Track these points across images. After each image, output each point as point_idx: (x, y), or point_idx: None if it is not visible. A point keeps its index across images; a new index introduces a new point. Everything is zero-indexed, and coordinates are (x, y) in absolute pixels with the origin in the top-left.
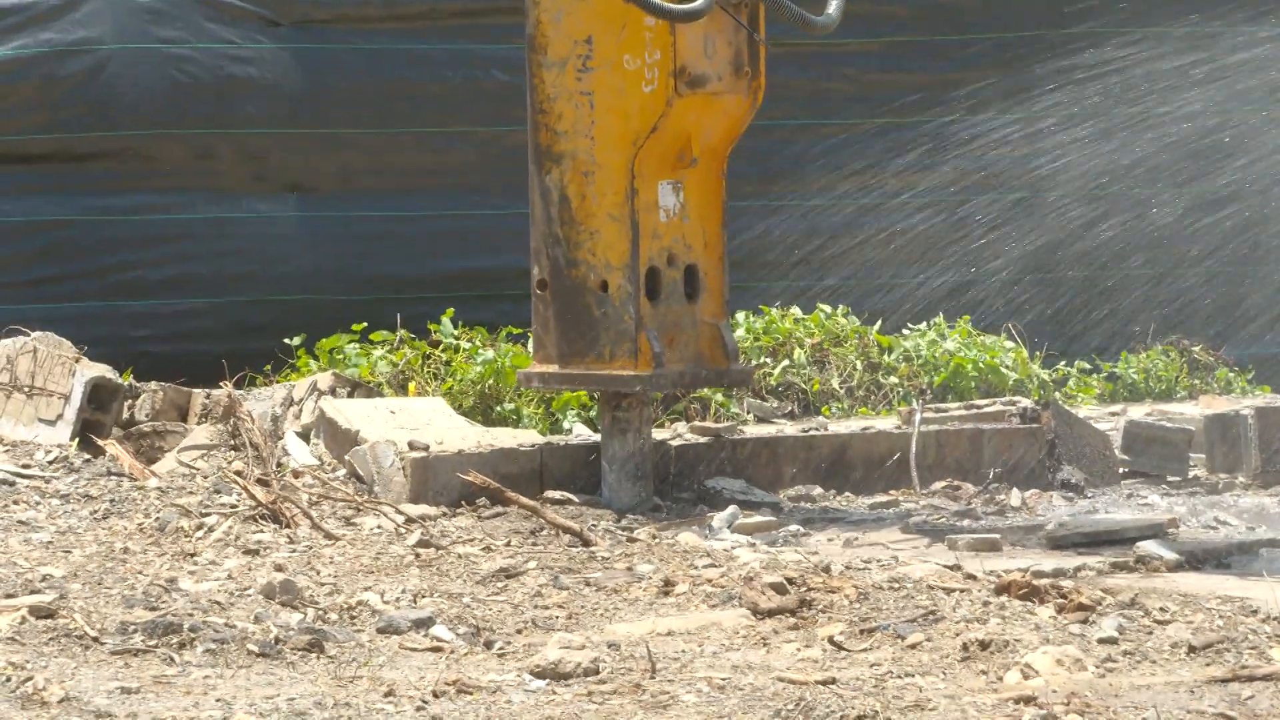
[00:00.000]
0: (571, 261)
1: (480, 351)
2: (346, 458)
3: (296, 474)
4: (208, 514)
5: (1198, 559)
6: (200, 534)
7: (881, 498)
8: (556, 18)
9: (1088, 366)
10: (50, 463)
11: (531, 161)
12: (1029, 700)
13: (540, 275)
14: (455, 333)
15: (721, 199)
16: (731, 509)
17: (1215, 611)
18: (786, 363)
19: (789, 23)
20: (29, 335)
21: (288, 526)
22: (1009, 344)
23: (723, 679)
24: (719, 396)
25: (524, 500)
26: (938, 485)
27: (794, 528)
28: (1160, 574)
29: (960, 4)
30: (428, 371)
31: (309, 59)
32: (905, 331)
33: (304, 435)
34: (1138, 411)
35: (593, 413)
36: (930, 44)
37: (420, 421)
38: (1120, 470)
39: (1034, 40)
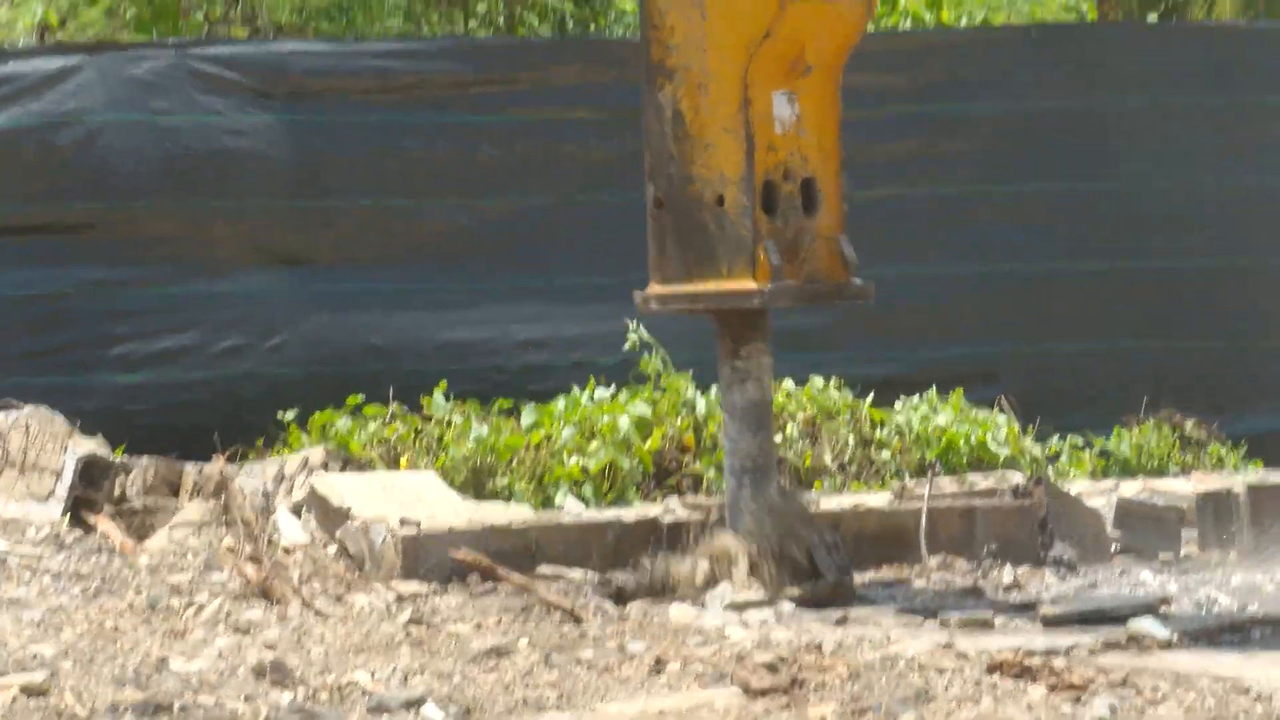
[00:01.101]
0: (687, 178)
1: (473, 426)
2: (338, 535)
3: (288, 551)
4: (198, 592)
5: (1190, 637)
6: (191, 612)
7: (873, 574)
8: None
9: (1080, 442)
10: (41, 540)
11: (644, 79)
12: None
13: (656, 194)
14: (448, 406)
15: (837, 111)
16: (724, 585)
17: (1208, 691)
18: (779, 437)
19: None
20: (21, 409)
21: (278, 604)
22: (1001, 418)
23: None
24: (711, 472)
25: (515, 577)
26: (931, 562)
27: (786, 605)
28: (1153, 653)
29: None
30: (420, 446)
31: (301, 131)
32: (898, 405)
33: (296, 511)
34: (1130, 488)
35: (585, 489)
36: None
37: (412, 496)
38: (1112, 547)
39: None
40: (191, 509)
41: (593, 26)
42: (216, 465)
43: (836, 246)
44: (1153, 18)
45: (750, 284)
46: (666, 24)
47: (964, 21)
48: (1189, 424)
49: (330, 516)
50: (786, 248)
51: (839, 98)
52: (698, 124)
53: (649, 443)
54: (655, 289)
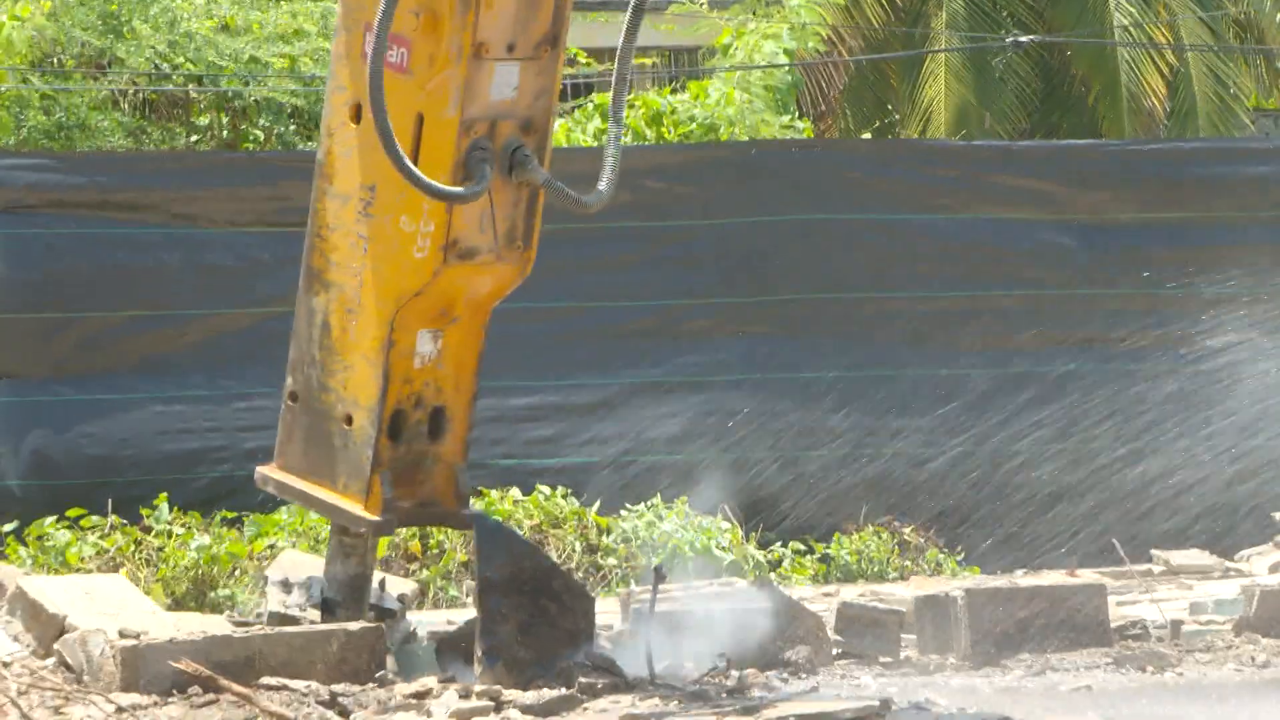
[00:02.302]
0: (324, 386)
1: (195, 537)
2: (56, 646)
3: (5, 664)
4: None
5: None
6: None
7: (605, 678)
8: (347, 154)
9: (802, 547)
10: None
11: (303, 277)
12: None
13: (293, 387)
14: (169, 518)
15: (480, 348)
16: (449, 693)
17: None
18: None
19: (565, 206)
20: None
21: None
22: (725, 524)
23: None
24: (439, 580)
25: (236, 688)
26: (659, 667)
27: (514, 713)
28: None
29: None
30: (140, 557)
31: (18, 244)
32: (623, 513)
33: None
34: (851, 592)
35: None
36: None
37: (115, 604)
38: (834, 651)
39: None
40: None
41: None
42: None
43: (454, 474)
44: (867, 135)
45: (360, 510)
46: (331, 240)
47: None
48: (907, 530)
49: (41, 621)
50: (406, 470)
51: (484, 334)
52: (343, 343)
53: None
54: (276, 474)
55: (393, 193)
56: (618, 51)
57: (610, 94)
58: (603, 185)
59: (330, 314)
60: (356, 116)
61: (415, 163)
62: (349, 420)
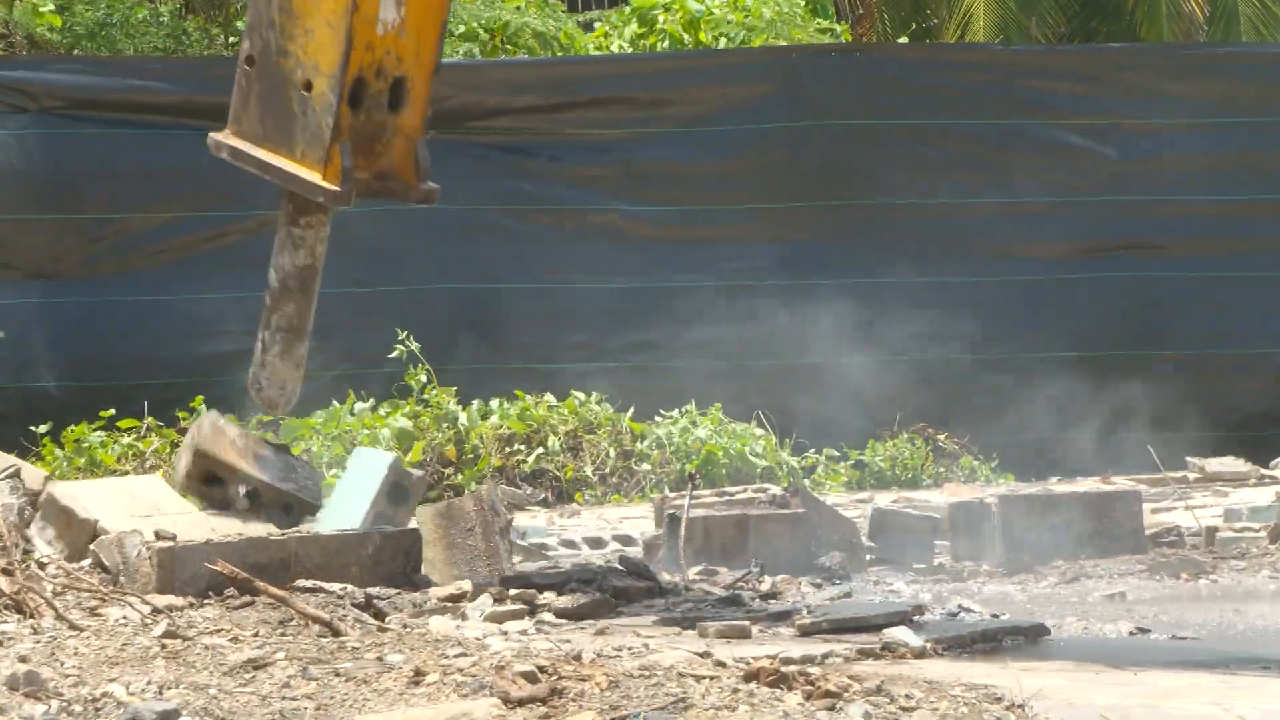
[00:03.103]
0: (282, 50)
1: None
2: (91, 547)
3: (41, 565)
4: None
5: (943, 646)
6: None
7: (640, 583)
8: None
9: (836, 454)
10: None
11: None
12: None
13: (250, 51)
14: None
15: (444, 15)
16: (484, 596)
17: (960, 699)
18: (540, 450)
19: None
20: None
21: (32, 617)
22: (759, 431)
23: None
24: (473, 485)
25: (272, 590)
26: (693, 573)
27: (547, 616)
28: (906, 661)
29: None
30: (175, 460)
31: (55, 145)
32: (658, 419)
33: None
34: (885, 499)
35: None
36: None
37: (150, 506)
38: (867, 557)
39: None
40: None
41: None
42: None
43: (413, 147)
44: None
45: (319, 178)
46: None
47: (723, 43)
48: (941, 437)
49: (73, 527)
50: (364, 142)
51: (447, 4)
52: (304, 6)
53: (410, 455)
54: (232, 140)
55: None
56: None
57: None
58: None
59: None
60: None
61: None
62: (308, 86)
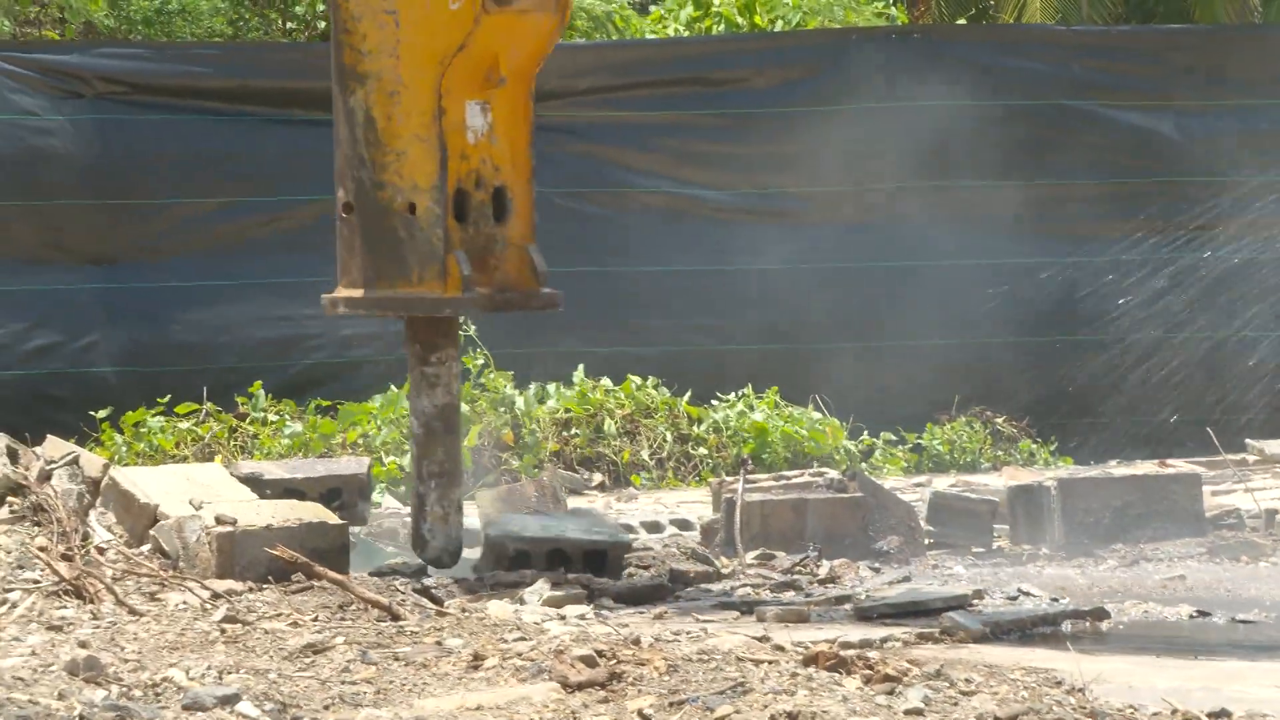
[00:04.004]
0: (378, 184)
1: (288, 425)
2: (151, 532)
3: (101, 550)
4: (11, 590)
5: (1002, 630)
6: (3, 610)
7: (698, 567)
8: None
9: (894, 438)
10: None
11: (335, 83)
12: None
13: (345, 198)
14: (264, 405)
15: (529, 119)
16: (541, 581)
17: (1020, 683)
18: (597, 434)
19: None
20: None
21: (92, 602)
22: (816, 415)
23: None
24: (531, 470)
25: (332, 574)
26: (750, 557)
27: (605, 600)
28: (965, 645)
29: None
30: (235, 445)
31: (111, 130)
32: (715, 403)
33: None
34: (943, 483)
35: (402, 488)
36: None
37: (209, 492)
38: (926, 541)
39: None
40: (3, 508)
41: None
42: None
43: (526, 255)
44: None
45: (440, 292)
46: (359, 30)
47: (779, 25)
48: (1000, 420)
49: (133, 512)
50: (477, 256)
51: (531, 107)
52: (390, 131)
53: (467, 439)
54: (344, 292)
55: None
56: None
57: None
58: None
59: (372, 106)
60: None
61: None
62: (411, 209)
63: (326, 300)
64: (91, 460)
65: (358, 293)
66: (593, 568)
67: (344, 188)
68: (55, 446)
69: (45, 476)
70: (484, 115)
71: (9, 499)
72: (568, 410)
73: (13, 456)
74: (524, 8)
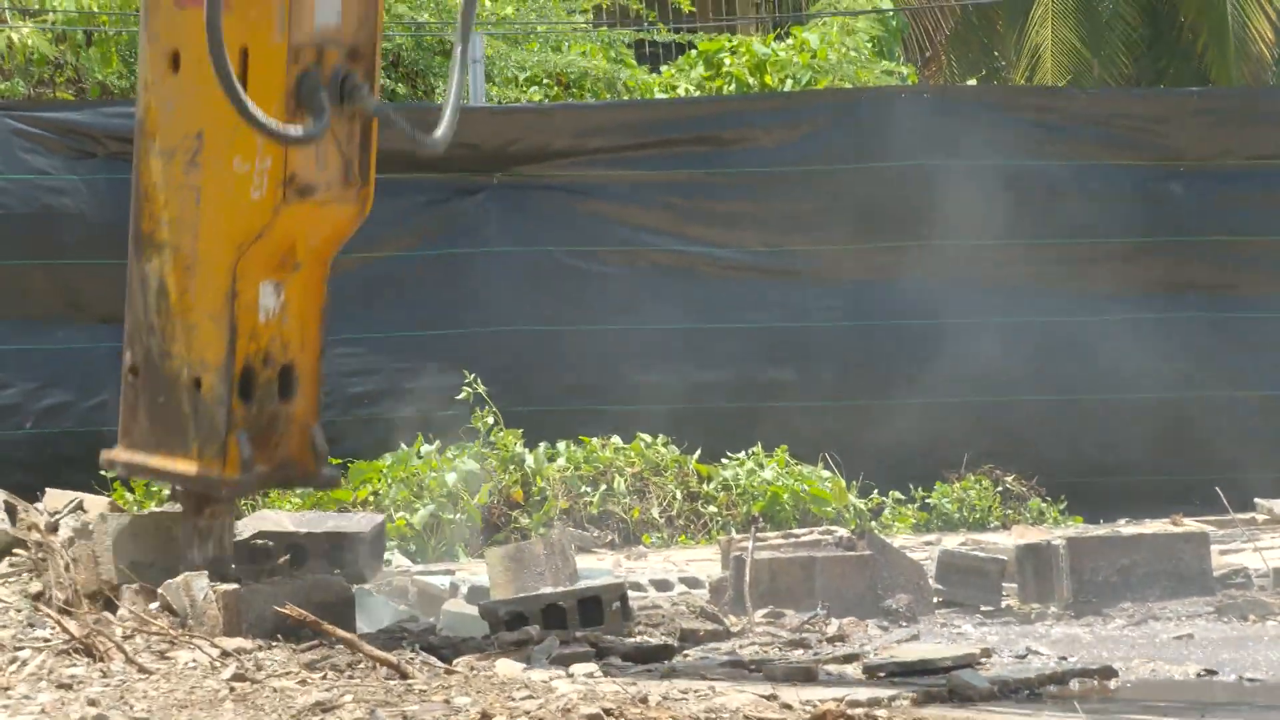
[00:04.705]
0: (165, 353)
1: None
2: (159, 590)
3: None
4: (21, 648)
5: (1010, 689)
6: (13, 668)
7: (707, 625)
8: (168, 105)
9: (902, 496)
10: None
11: (132, 244)
12: None
13: (132, 361)
14: None
15: (322, 301)
16: (550, 639)
17: None
18: (607, 491)
19: (407, 136)
20: None
21: (102, 660)
22: (825, 473)
23: None
24: (541, 528)
25: (340, 632)
26: (759, 615)
27: (614, 659)
28: (973, 704)
29: None
30: (246, 503)
31: (124, 190)
32: (724, 460)
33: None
34: (952, 541)
35: (412, 546)
36: None
37: None
38: (934, 599)
39: None
40: (7, 563)
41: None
42: (40, 521)
43: (309, 435)
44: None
45: (220, 472)
46: (160, 199)
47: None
48: (1009, 478)
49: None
50: (260, 434)
51: (325, 287)
52: (183, 305)
53: (477, 497)
54: (122, 455)
55: (223, 136)
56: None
57: (456, 44)
58: (441, 130)
59: (166, 276)
60: (175, 65)
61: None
62: (197, 384)
63: (105, 458)
64: (96, 503)
65: (139, 458)
66: (589, 617)
67: (132, 351)
68: (55, 498)
69: (52, 528)
70: (277, 295)
71: (13, 552)
72: (577, 468)
73: (11, 512)
74: (323, 200)
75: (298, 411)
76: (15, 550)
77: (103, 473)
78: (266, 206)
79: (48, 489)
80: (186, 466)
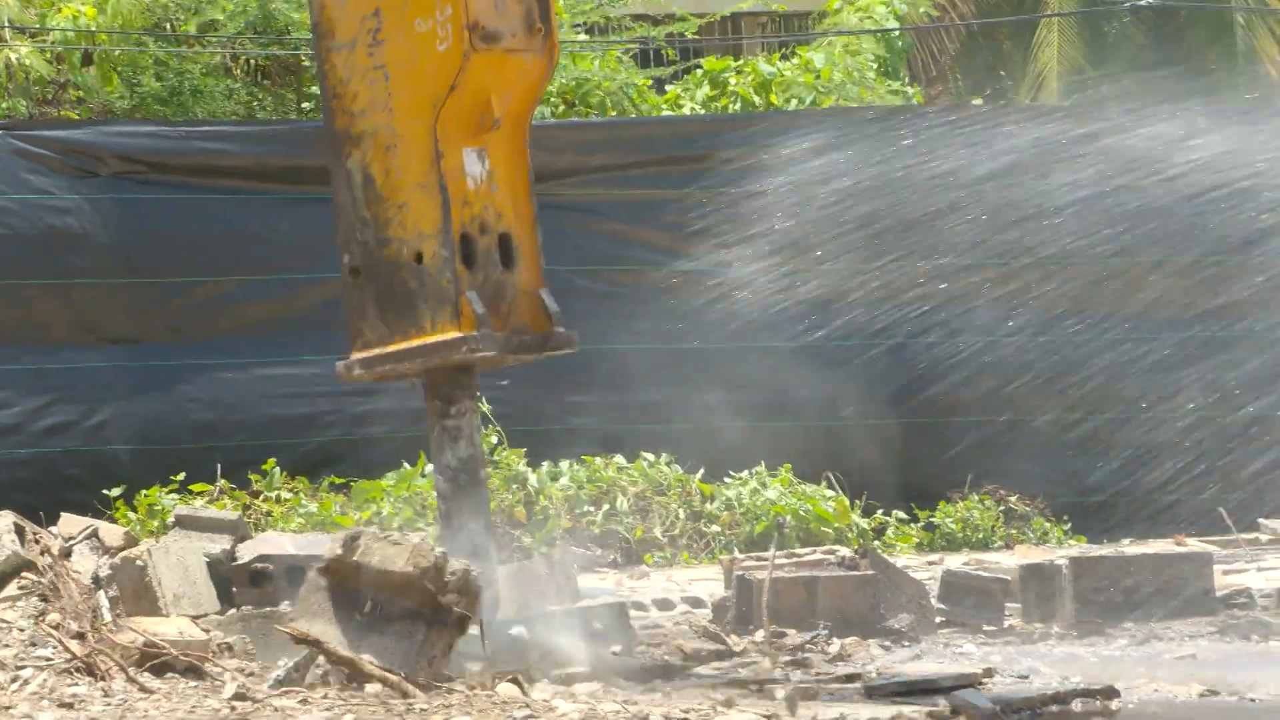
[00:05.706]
0: (383, 240)
1: (302, 503)
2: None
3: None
4: (23, 667)
5: (1012, 709)
6: (15, 687)
7: (710, 645)
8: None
9: (905, 516)
10: None
11: (331, 150)
12: None
13: (352, 263)
14: (279, 483)
15: (527, 167)
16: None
17: None
18: (610, 511)
19: None
20: None
21: (103, 680)
22: (829, 492)
23: None
24: (543, 547)
25: (340, 651)
26: (759, 635)
27: (616, 678)
28: None
29: None
30: (249, 523)
31: (127, 209)
32: (727, 480)
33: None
34: (955, 561)
35: None
36: None
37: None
38: (937, 619)
39: None
40: (16, 585)
41: None
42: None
43: (538, 300)
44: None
45: (456, 333)
46: (349, 92)
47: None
48: (1013, 498)
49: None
50: (488, 301)
51: (528, 154)
52: (390, 185)
53: None
54: (357, 354)
55: (398, 4)
56: None
57: None
58: None
59: (370, 164)
60: None
61: None
62: (419, 257)
63: (341, 366)
64: (112, 531)
65: (373, 352)
66: None
67: (349, 253)
68: (70, 523)
69: (66, 553)
70: (481, 162)
71: (23, 575)
72: (580, 487)
73: (20, 534)
74: (511, 47)
75: (522, 279)
76: (24, 574)
77: (105, 491)
78: (455, 53)
79: (62, 514)
80: (422, 339)
